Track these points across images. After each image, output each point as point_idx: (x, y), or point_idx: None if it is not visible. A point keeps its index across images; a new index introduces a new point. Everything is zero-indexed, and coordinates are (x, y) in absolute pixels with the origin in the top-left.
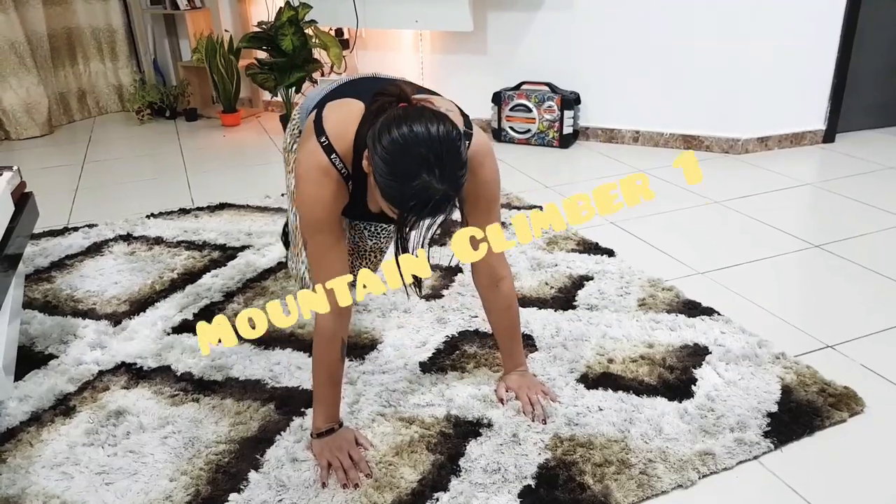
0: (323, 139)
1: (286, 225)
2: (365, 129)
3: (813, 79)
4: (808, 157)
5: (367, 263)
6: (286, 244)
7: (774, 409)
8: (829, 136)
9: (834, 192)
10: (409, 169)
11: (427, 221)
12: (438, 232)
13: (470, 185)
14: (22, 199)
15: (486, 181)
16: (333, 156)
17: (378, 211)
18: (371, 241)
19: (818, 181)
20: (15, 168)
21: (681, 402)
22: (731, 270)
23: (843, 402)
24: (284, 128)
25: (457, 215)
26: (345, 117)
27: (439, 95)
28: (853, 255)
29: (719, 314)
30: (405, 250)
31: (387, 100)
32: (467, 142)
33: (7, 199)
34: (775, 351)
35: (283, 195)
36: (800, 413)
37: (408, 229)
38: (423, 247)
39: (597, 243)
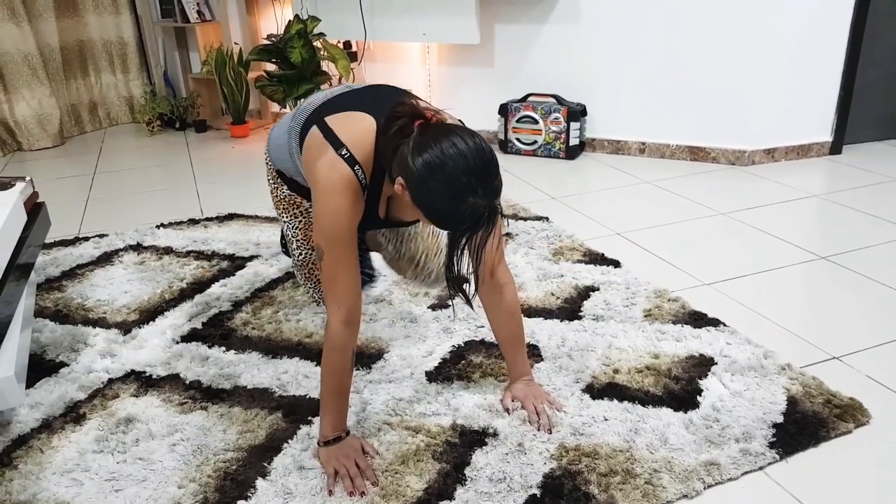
0: (343, 151)
1: (283, 236)
2: (387, 150)
3: (820, 91)
4: (815, 169)
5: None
6: (287, 253)
7: (780, 419)
8: (835, 148)
9: (841, 203)
10: (452, 197)
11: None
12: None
13: None
14: (34, 209)
15: None
16: (356, 167)
17: (384, 216)
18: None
19: (825, 193)
20: (28, 178)
21: (686, 413)
22: (737, 282)
23: (848, 414)
24: None
25: None
26: (358, 128)
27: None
28: (859, 267)
29: (725, 325)
30: (458, 269)
31: (403, 122)
32: None
33: (20, 208)
34: (781, 362)
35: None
36: (805, 424)
37: (461, 249)
38: (475, 261)
39: (603, 254)
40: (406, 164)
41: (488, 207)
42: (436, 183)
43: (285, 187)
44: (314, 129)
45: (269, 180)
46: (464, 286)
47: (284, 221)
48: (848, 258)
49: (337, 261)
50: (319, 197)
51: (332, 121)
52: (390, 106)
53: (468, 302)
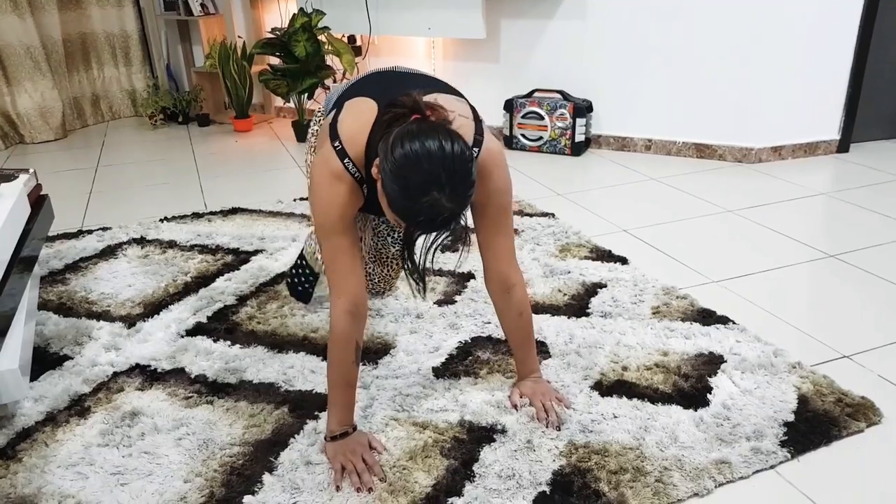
0: (336, 143)
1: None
2: (377, 137)
3: (827, 88)
4: (822, 167)
5: (388, 270)
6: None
7: (791, 418)
8: (843, 146)
9: (848, 202)
10: (418, 185)
11: (433, 235)
12: (449, 239)
13: (479, 194)
14: (38, 201)
15: (495, 190)
16: (347, 160)
17: None
18: (395, 247)
19: (832, 191)
20: (31, 171)
21: (696, 411)
22: (745, 279)
23: (860, 413)
24: (296, 133)
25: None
26: (358, 119)
27: (458, 95)
28: (868, 266)
29: (734, 323)
30: (411, 259)
31: (399, 111)
32: (477, 149)
33: (23, 201)
34: (791, 360)
35: (279, 202)
36: (817, 423)
37: (414, 239)
38: (428, 257)
39: (610, 251)
40: (386, 147)
41: (450, 211)
42: (407, 168)
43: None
44: (331, 115)
45: (309, 147)
46: (419, 278)
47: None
48: (856, 256)
49: (334, 250)
50: (312, 189)
51: (346, 108)
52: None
53: (423, 290)
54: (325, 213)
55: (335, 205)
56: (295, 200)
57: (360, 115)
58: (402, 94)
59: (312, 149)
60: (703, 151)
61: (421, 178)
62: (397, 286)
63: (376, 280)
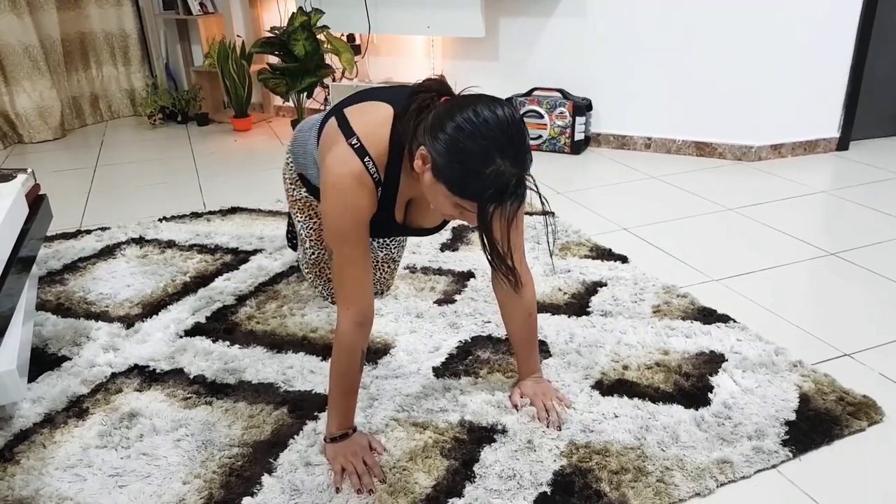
0: (354, 140)
1: (289, 228)
2: (406, 129)
3: (827, 86)
4: (822, 165)
5: (380, 274)
6: (293, 247)
7: (792, 417)
8: (843, 144)
9: (848, 200)
10: (480, 156)
11: (509, 210)
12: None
13: None
14: (36, 201)
15: None
16: (367, 159)
17: (402, 221)
18: (382, 251)
19: (832, 189)
20: (29, 170)
21: (697, 410)
22: (746, 278)
23: (862, 411)
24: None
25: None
26: (374, 118)
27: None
28: (869, 264)
29: (735, 321)
30: (492, 245)
31: (428, 95)
32: None
33: (21, 201)
34: (792, 359)
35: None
36: (818, 422)
37: (489, 220)
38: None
39: (610, 249)
40: (431, 127)
41: (517, 177)
42: (464, 141)
43: (304, 190)
44: (332, 120)
45: (285, 178)
46: (508, 270)
47: (299, 221)
48: (857, 254)
49: (346, 260)
50: (327, 192)
51: (350, 111)
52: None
53: (514, 282)
54: (341, 220)
55: (352, 211)
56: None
57: (374, 113)
58: (425, 80)
59: (293, 182)
60: (702, 149)
61: (481, 147)
62: (396, 285)
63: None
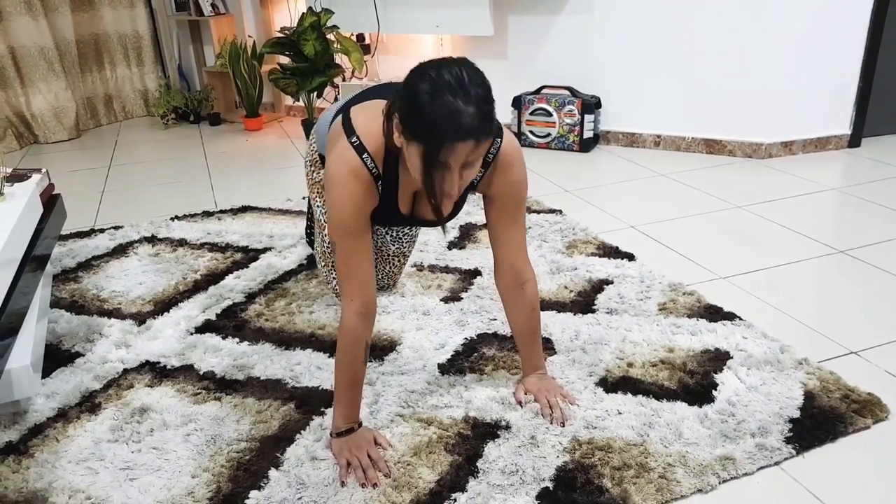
0: (354, 139)
1: (308, 223)
2: (390, 115)
3: (838, 83)
4: (833, 162)
5: (390, 268)
6: (311, 243)
7: (797, 414)
8: (854, 141)
9: (859, 197)
10: (434, 91)
11: (457, 167)
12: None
13: (498, 185)
14: (50, 200)
15: (515, 181)
16: (365, 155)
17: (408, 212)
18: (394, 245)
19: (843, 186)
20: (44, 170)
21: (701, 407)
22: (753, 275)
23: (866, 409)
24: (306, 132)
25: (480, 216)
26: (373, 115)
27: None
28: (878, 261)
29: (741, 319)
30: (433, 194)
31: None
32: (499, 140)
33: (36, 200)
34: (798, 356)
35: (304, 198)
36: (823, 419)
37: (437, 168)
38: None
39: (617, 247)
40: (398, 96)
41: (471, 116)
42: (419, 82)
43: (322, 171)
44: (338, 119)
45: (306, 161)
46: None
47: (318, 206)
48: (866, 252)
49: (348, 252)
50: (328, 187)
51: (355, 109)
52: None
53: (443, 228)
54: (341, 213)
55: (351, 204)
56: (304, 199)
57: (374, 110)
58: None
59: (313, 165)
60: (712, 147)
61: (433, 84)
62: (403, 283)
63: (379, 276)
